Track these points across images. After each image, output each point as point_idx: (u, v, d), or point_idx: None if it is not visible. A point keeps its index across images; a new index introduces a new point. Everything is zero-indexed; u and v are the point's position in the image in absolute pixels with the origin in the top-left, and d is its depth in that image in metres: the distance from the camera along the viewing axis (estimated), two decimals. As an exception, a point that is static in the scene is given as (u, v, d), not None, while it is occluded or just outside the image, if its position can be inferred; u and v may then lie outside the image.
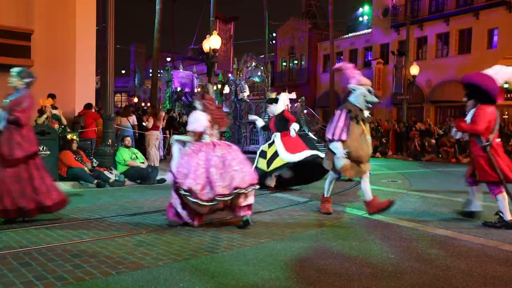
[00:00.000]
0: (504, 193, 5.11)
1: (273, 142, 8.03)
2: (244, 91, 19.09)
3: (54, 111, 9.99)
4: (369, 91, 5.63)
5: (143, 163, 9.38)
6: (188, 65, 29.48)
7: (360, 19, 35.50)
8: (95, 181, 8.39)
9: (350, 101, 5.77)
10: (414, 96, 22.83)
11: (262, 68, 20.96)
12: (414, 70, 20.84)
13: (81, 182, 8.43)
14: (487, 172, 5.12)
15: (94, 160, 9.18)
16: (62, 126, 9.88)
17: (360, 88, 5.67)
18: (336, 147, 5.58)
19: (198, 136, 4.97)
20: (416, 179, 9.55)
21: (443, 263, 3.79)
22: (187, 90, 24.92)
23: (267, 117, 18.06)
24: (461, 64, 23.90)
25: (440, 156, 17.23)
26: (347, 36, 33.04)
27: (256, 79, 20.86)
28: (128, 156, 9.19)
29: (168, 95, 23.87)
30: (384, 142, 18.57)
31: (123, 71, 51.12)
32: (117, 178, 8.79)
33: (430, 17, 25.71)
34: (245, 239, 4.51)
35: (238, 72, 20.12)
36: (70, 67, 12.31)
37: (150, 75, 29.76)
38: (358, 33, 32.32)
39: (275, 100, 8.57)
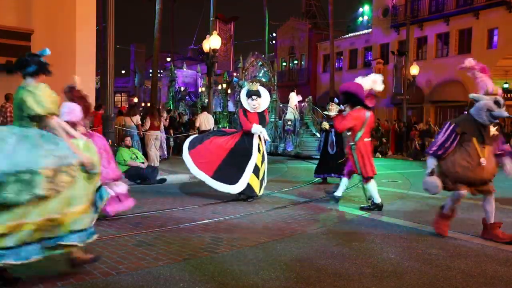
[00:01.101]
0: (373, 181, 6.27)
1: (259, 150, 6.87)
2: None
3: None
4: (497, 103, 4.45)
5: (143, 163, 9.37)
6: (188, 65, 29.37)
7: (360, 19, 35.50)
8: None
9: (471, 112, 4.65)
10: (414, 96, 22.82)
11: (268, 66, 20.80)
12: (414, 70, 20.84)
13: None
14: (354, 166, 6.37)
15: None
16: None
17: (484, 99, 4.51)
18: (427, 161, 4.75)
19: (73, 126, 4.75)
20: (416, 179, 9.54)
21: (443, 263, 3.80)
22: (191, 89, 24.66)
23: (273, 117, 18.00)
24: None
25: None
26: (347, 36, 33.04)
27: (262, 78, 20.71)
28: (128, 156, 9.18)
29: (171, 94, 23.54)
30: (384, 142, 18.57)
31: (123, 71, 51.15)
32: (117, 178, 8.78)
33: (430, 17, 25.72)
34: (245, 239, 4.52)
35: (244, 71, 19.99)
36: (70, 67, 12.29)
37: (150, 75, 29.74)
38: (358, 33, 32.32)
39: (257, 93, 6.95)
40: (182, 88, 23.93)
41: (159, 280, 3.31)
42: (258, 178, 6.80)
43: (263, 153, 6.99)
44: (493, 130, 4.58)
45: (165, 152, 14.09)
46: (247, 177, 6.69)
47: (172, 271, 3.50)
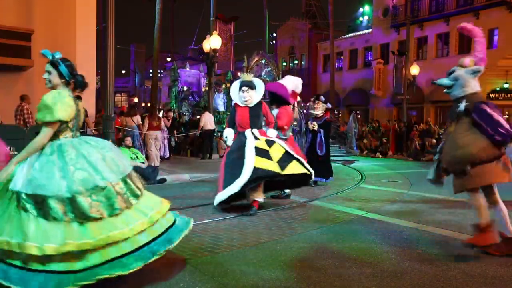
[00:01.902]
0: None
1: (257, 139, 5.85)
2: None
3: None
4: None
5: (143, 163, 9.38)
6: (191, 65, 29.25)
7: (360, 19, 35.51)
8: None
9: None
10: (415, 96, 22.83)
11: (272, 66, 20.58)
12: (414, 70, 20.85)
13: (81, 182, 8.42)
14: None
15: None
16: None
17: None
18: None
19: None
20: (416, 179, 9.54)
21: (443, 263, 3.79)
22: (194, 89, 24.47)
23: None
24: (462, 64, 23.91)
25: (441, 156, 17.20)
26: (347, 36, 33.06)
27: (266, 78, 20.51)
28: (128, 156, 9.18)
29: (174, 94, 23.34)
30: (385, 142, 18.57)
31: (123, 71, 51.20)
32: (117, 178, 8.78)
33: (430, 17, 25.74)
34: (245, 239, 4.51)
35: (248, 70, 19.91)
36: (70, 67, 12.32)
37: (151, 75, 29.71)
38: (358, 33, 32.33)
39: (250, 84, 5.97)
40: (185, 88, 23.70)
41: (160, 280, 3.30)
42: (271, 159, 5.60)
43: (267, 139, 5.86)
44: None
45: (167, 152, 14.10)
46: (250, 162, 5.48)
47: (172, 271, 3.50)
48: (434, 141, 17.66)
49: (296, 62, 35.54)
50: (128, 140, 9.68)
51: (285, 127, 6.85)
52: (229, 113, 6.84)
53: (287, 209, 6.27)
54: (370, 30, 30.47)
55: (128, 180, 3.30)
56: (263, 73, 20.44)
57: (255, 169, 5.43)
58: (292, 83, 7.26)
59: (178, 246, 4.18)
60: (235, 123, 6.06)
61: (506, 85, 22.46)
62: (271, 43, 37.00)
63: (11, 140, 8.02)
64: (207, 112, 14.68)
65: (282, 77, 21.36)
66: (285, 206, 6.43)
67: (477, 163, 3.78)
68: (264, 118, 6.13)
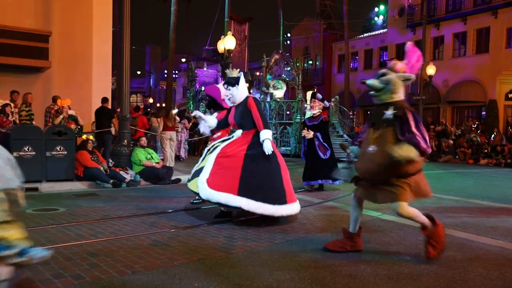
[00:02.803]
0: None
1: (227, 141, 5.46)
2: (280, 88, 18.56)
3: (71, 112, 10.13)
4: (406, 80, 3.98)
5: (158, 163, 9.44)
6: (209, 65, 29.28)
7: (376, 19, 35.25)
8: (111, 181, 8.48)
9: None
10: (430, 96, 22.59)
11: (292, 65, 20.25)
12: (431, 70, 20.62)
13: (98, 182, 8.53)
14: None
15: (110, 160, 9.27)
16: (79, 127, 10.02)
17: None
18: None
19: None
20: (432, 181, 9.42)
21: (460, 265, 3.74)
22: None
23: (298, 117, 17.54)
24: (479, 64, 23.59)
25: (458, 157, 17.00)
26: (362, 36, 32.84)
27: (285, 77, 20.18)
28: (144, 156, 9.26)
29: (191, 94, 23.01)
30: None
31: (138, 72, 51.67)
32: (132, 178, 8.87)
33: (447, 16, 25.42)
34: (260, 240, 4.51)
35: (267, 70, 19.75)
36: (86, 68, 12.48)
37: (165, 76, 29.84)
38: (374, 33, 32.10)
39: (236, 81, 5.47)
40: (203, 88, 23.60)
41: (174, 279, 3.32)
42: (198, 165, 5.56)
43: (214, 147, 5.44)
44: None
45: (185, 153, 14.23)
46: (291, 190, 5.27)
47: (187, 271, 3.51)
48: (451, 142, 17.45)
49: (310, 62, 35.44)
50: (143, 140, 9.75)
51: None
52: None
53: (302, 210, 6.24)
54: (385, 30, 30.23)
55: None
56: (283, 72, 20.25)
57: (193, 174, 5.53)
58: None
59: (193, 246, 4.21)
60: (224, 123, 5.81)
61: None
62: (285, 43, 36.94)
63: (29, 140, 8.18)
64: (217, 113, 14.69)
65: (292, 78, 21.17)
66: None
67: (408, 176, 3.69)
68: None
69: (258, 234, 4.73)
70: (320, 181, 7.94)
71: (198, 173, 5.29)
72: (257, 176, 5.02)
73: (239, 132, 5.42)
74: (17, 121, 9.17)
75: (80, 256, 3.85)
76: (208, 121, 5.84)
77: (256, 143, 5.17)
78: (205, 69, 24.83)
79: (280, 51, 20.83)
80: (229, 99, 5.52)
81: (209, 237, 4.60)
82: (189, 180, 5.53)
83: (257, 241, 4.47)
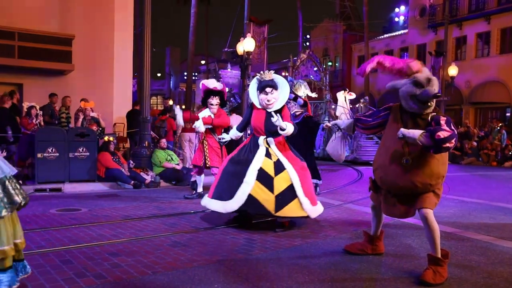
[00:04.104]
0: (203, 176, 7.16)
1: (268, 152, 5.04)
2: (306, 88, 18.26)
3: (93, 114, 10.31)
4: (416, 83, 3.51)
5: (178, 164, 9.51)
6: (222, 68, 29.38)
7: (396, 19, 34.84)
8: (132, 182, 8.58)
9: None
10: (453, 98, 22.19)
11: (319, 65, 19.91)
12: (453, 71, 20.26)
13: (119, 183, 8.64)
14: (217, 160, 6.75)
15: (131, 162, 9.39)
16: (100, 129, 10.17)
17: (400, 85, 3.67)
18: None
19: None
20: (454, 183, 9.28)
21: (484, 270, 3.66)
22: (235, 90, 23.99)
23: (326, 119, 17.23)
24: (503, 64, 23.10)
25: (481, 159, 16.67)
26: (382, 37, 32.51)
27: (312, 77, 19.74)
28: (164, 157, 9.35)
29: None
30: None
31: (158, 74, 52.10)
32: (153, 179, 8.96)
33: (470, 16, 24.97)
34: (279, 242, 4.50)
35: (294, 70, 19.51)
36: (108, 71, 12.67)
37: (185, 78, 30.01)
38: (394, 33, 31.74)
39: (272, 85, 5.08)
40: (227, 89, 23.29)
41: (194, 280, 3.34)
42: (272, 190, 4.81)
43: (278, 161, 4.99)
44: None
45: None
46: (247, 188, 4.83)
47: (207, 272, 3.53)
48: (474, 143, 17.12)
49: (330, 64, 35.24)
50: (163, 142, 9.84)
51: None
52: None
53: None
54: (406, 31, 29.86)
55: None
56: (310, 73, 19.96)
57: (250, 198, 4.80)
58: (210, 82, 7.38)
59: (212, 247, 4.23)
60: (245, 127, 5.55)
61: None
62: (304, 45, 36.81)
63: (53, 141, 8.35)
64: (234, 114, 14.75)
65: (328, 77, 20.60)
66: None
67: (442, 178, 3.55)
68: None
69: (278, 236, 4.72)
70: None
71: (288, 196, 4.81)
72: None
73: (272, 140, 5.09)
74: (42, 123, 9.37)
75: (102, 256, 3.91)
76: (231, 135, 5.70)
77: (294, 150, 5.29)
78: (228, 70, 24.61)
79: (307, 51, 20.48)
80: (270, 104, 5.04)
81: (228, 238, 4.61)
82: (277, 210, 4.76)
83: (277, 243, 4.46)
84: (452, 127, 3.36)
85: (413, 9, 28.67)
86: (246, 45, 14.73)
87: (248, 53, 14.77)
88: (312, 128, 7.32)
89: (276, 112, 4.99)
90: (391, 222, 5.51)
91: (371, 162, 4.01)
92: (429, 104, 3.46)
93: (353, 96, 17.35)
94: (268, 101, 5.02)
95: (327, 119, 16.86)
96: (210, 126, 6.89)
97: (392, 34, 31.96)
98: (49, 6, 11.85)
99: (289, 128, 4.94)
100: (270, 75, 5.11)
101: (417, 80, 3.44)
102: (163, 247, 4.23)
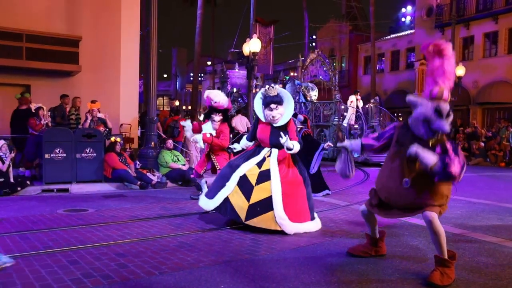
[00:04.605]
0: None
1: (263, 161, 5.08)
2: (313, 90, 17.98)
3: (100, 115, 10.36)
4: (438, 111, 3.35)
5: (184, 165, 9.54)
6: (230, 69, 29.39)
7: (403, 19, 34.69)
8: (138, 182, 8.61)
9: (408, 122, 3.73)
10: (460, 98, 22.04)
11: (328, 65, 19.67)
12: (460, 71, 20.14)
13: (125, 183, 8.68)
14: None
15: (138, 162, 9.42)
16: (107, 129, 10.22)
17: (423, 105, 3.46)
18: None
19: None
20: (462, 184, 9.20)
21: (492, 271, 3.64)
22: (243, 91, 23.65)
23: (336, 119, 17.00)
24: (511, 64, 22.93)
25: (488, 160, 16.56)
26: (389, 37, 32.39)
27: (321, 78, 19.61)
28: (170, 158, 9.37)
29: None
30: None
31: (165, 75, 52.27)
32: (159, 180, 8.98)
33: (477, 15, 24.80)
34: (285, 242, 4.50)
35: (303, 70, 19.39)
36: (115, 72, 12.72)
37: (191, 79, 30.05)
38: (400, 34, 31.60)
39: (278, 101, 5.06)
40: (235, 90, 22.52)
41: (200, 281, 3.34)
42: (248, 199, 4.86)
43: (267, 171, 4.98)
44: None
45: None
46: (226, 191, 5.01)
47: (213, 272, 3.53)
48: (482, 144, 17.01)
49: (334, 64, 35.15)
50: (169, 143, 9.87)
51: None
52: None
53: (328, 212, 6.20)
54: (413, 31, 29.72)
55: None
56: (319, 73, 19.78)
57: (225, 201, 4.98)
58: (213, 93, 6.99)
59: (219, 248, 4.23)
60: (254, 137, 5.44)
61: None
62: (310, 45, 36.76)
63: (60, 142, 8.40)
64: (239, 115, 14.75)
65: (337, 77, 20.40)
66: (325, 210, 6.36)
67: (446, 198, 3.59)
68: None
69: (284, 237, 4.72)
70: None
71: (264, 207, 4.81)
72: (311, 197, 5.23)
73: (275, 151, 5.09)
74: (49, 124, 9.43)
75: (109, 256, 3.92)
76: (242, 145, 5.81)
77: (299, 164, 5.22)
78: (236, 70, 24.47)
79: (317, 51, 20.31)
80: (275, 120, 5.04)
81: (234, 239, 4.61)
82: (246, 218, 4.84)
83: (283, 243, 4.46)
84: (459, 154, 3.33)
85: (420, 9, 28.54)
86: (252, 45, 14.73)
87: (254, 53, 14.77)
88: (311, 144, 7.36)
89: (282, 127, 5.06)
90: (397, 223, 5.49)
91: (381, 163, 3.97)
92: (437, 136, 3.40)
93: (361, 103, 17.39)
94: (273, 117, 5.02)
95: (336, 119, 16.73)
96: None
97: (398, 34, 31.82)
98: (56, 8, 11.91)
99: (295, 147, 4.96)
100: (275, 91, 5.07)
101: (440, 110, 3.33)
102: (169, 248, 4.24)
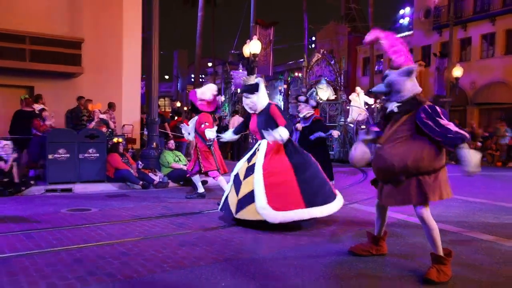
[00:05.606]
0: (221, 177, 7.12)
1: (253, 156, 5.21)
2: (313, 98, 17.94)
3: (102, 116, 10.39)
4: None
5: (185, 165, 9.55)
6: (234, 70, 29.33)
7: (401, 21, 34.69)
8: (141, 182, 8.64)
9: None
10: (457, 99, 22.07)
11: (333, 66, 19.60)
12: (458, 72, 20.17)
13: (128, 183, 8.70)
14: (210, 163, 7.08)
15: (140, 162, 9.45)
16: (110, 130, 10.25)
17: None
18: None
19: None
20: (459, 183, 9.21)
21: (488, 269, 3.66)
22: None
23: (342, 120, 16.71)
24: (508, 65, 22.96)
25: (485, 159, 16.56)
26: (387, 38, 32.37)
27: (327, 78, 19.55)
28: (172, 158, 9.39)
29: (227, 97, 22.41)
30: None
31: (166, 77, 52.24)
32: (161, 180, 9.01)
33: (475, 17, 24.83)
34: (285, 241, 4.52)
35: (308, 70, 19.33)
36: (117, 73, 12.76)
37: (192, 80, 30.04)
38: (399, 35, 31.60)
39: (255, 88, 5.23)
40: (239, 90, 23.02)
41: (201, 279, 3.37)
42: (238, 194, 5.07)
43: (252, 165, 5.08)
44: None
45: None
46: (227, 191, 5.39)
47: (214, 270, 3.56)
48: (479, 144, 17.02)
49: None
50: (171, 143, 9.90)
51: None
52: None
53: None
54: (411, 32, 29.75)
55: None
56: (324, 73, 19.67)
57: (226, 200, 5.30)
58: (210, 90, 7.21)
59: (219, 246, 4.25)
60: (240, 131, 5.72)
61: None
62: (310, 47, 36.81)
63: (63, 143, 8.43)
64: (236, 116, 14.82)
65: (342, 78, 20.37)
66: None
67: (432, 172, 3.43)
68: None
69: (284, 236, 4.74)
70: None
71: (247, 200, 4.87)
72: (312, 182, 4.93)
73: (264, 143, 5.14)
74: (53, 125, 9.46)
75: (112, 254, 3.95)
76: (226, 137, 5.84)
77: (293, 149, 5.13)
78: (240, 71, 24.49)
79: (322, 50, 20.23)
80: (250, 108, 5.27)
81: (235, 238, 4.63)
82: (236, 212, 4.98)
83: (283, 242, 4.48)
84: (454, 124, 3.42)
85: (418, 10, 28.57)
86: (252, 47, 14.77)
87: (254, 55, 14.81)
88: (321, 128, 7.57)
89: (265, 114, 5.17)
90: (396, 222, 5.51)
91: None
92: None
93: (370, 101, 17.07)
94: (247, 105, 5.27)
95: (342, 120, 16.67)
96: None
97: (397, 35, 31.85)
98: (58, 10, 11.94)
99: (283, 134, 4.88)
100: (248, 80, 5.29)
101: (409, 70, 3.53)
102: (171, 246, 4.26)
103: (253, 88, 5.20)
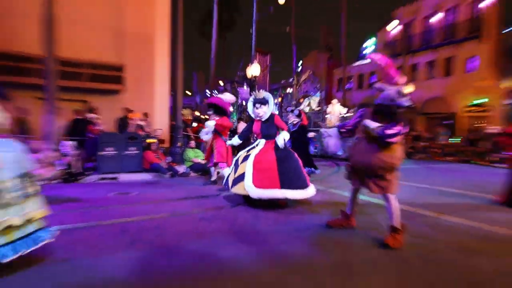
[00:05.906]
0: (227, 168, 6.59)
1: (252, 149, 5.27)
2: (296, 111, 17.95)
3: (139, 122, 10.39)
4: (399, 93, 3.58)
5: (203, 160, 9.55)
6: (240, 87, 29.25)
7: (366, 50, 34.67)
8: (169, 172, 8.64)
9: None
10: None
11: (318, 84, 19.79)
12: (410, 89, 20.02)
13: (159, 173, 8.71)
14: (222, 157, 6.70)
15: (168, 158, 9.45)
16: (145, 133, 10.24)
17: (388, 89, 3.63)
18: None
19: None
20: (410, 173, 9.24)
21: (430, 236, 3.67)
22: None
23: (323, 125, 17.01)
24: (446, 84, 23.03)
25: (429, 155, 16.61)
26: (356, 64, 32.39)
27: (312, 94, 19.76)
28: (192, 155, 9.39)
29: (235, 107, 22.57)
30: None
31: (188, 93, 52.15)
32: (184, 171, 9.01)
33: (421, 48, 24.84)
34: (279, 217, 4.51)
35: (297, 87, 19.48)
36: (151, 90, 12.76)
37: (208, 95, 29.78)
38: (365, 61, 31.58)
39: (267, 101, 5.30)
40: (244, 103, 23.30)
41: (215, 246, 3.38)
42: (235, 173, 5.10)
43: (249, 154, 5.16)
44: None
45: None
46: (231, 174, 5.27)
47: (224, 239, 3.57)
48: (424, 143, 17.06)
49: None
50: (192, 143, 9.89)
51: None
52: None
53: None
54: (373, 59, 29.68)
55: (23, 179, 2.75)
56: (310, 89, 19.92)
57: (227, 178, 5.31)
58: (227, 97, 7.29)
59: (228, 222, 4.25)
60: (245, 136, 5.61)
61: (481, 101, 21.33)
62: (297, 70, 36.67)
63: (111, 143, 8.45)
64: (241, 122, 14.78)
65: (324, 93, 20.57)
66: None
67: (395, 170, 3.51)
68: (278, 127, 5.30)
69: (278, 214, 4.74)
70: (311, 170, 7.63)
71: (240, 179, 4.95)
72: (289, 172, 4.93)
73: (262, 141, 5.22)
74: (103, 129, 9.45)
75: (148, 227, 3.97)
76: (235, 143, 5.73)
77: (283, 149, 5.16)
78: (244, 88, 24.84)
79: (309, 71, 20.49)
80: (258, 115, 5.27)
81: (240, 216, 4.63)
82: (231, 187, 5.07)
83: (277, 218, 4.48)
84: (400, 128, 3.41)
85: (379, 42, 28.55)
86: (253, 70, 14.76)
87: (254, 76, 14.78)
88: (304, 132, 7.78)
89: (269, 121, 5.24)
90: (364, 203, 5.52)
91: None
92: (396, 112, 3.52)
93: (339, 107, 17.14)
94: (259, 114, 5.27)
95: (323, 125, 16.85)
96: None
97: (363, 62, 31.83)
98: (107, 43, 11.93)
99: (286, 136, 5.15)
100: (261, 94, 5.32)
101: (402, 92, 3.54)
102: (193, 221, 4.28)
103: (265, 101, 5.27)
